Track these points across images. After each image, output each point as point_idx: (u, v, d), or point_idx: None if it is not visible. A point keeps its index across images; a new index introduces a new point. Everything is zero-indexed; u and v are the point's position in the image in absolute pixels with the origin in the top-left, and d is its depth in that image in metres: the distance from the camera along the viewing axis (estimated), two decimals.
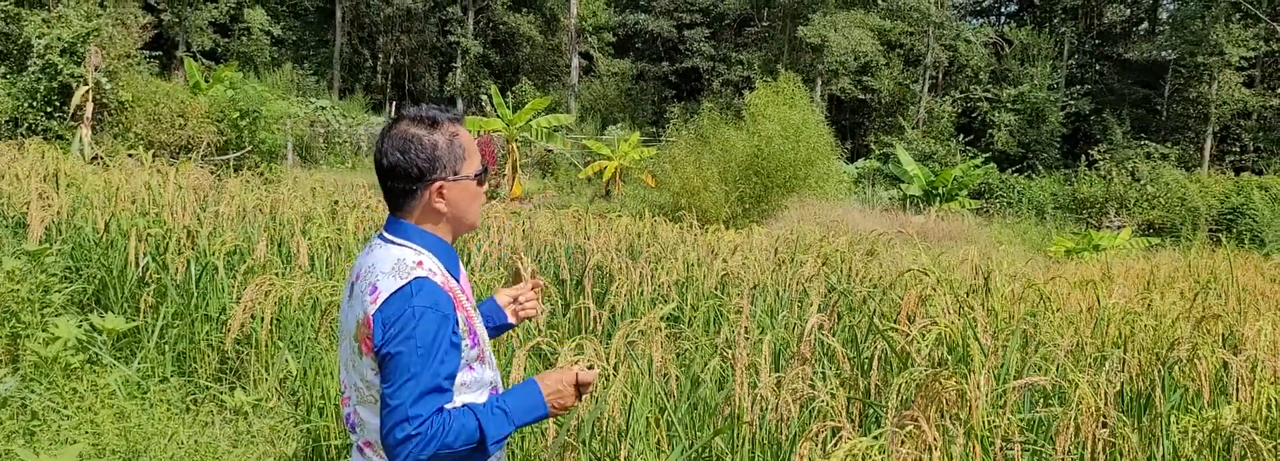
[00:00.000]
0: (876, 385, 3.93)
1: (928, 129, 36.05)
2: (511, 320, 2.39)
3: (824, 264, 7.29)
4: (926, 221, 21.21)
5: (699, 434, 3.84)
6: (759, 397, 3.35)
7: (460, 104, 40.12)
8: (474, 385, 2.03)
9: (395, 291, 1.89)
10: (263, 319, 4.43)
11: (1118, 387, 3.70)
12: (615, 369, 3.42)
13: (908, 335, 3.50)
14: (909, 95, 38.61)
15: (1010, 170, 31.47)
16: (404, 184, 1.99)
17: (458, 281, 2.06)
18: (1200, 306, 5.06)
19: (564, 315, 4.99)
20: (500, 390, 2.12)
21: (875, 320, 4.23)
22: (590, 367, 2.19)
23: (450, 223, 2.06)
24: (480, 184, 2.09)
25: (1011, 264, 8.35)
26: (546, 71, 42.48)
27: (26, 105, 17.35)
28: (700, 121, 22.63)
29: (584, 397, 2.23)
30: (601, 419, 3.36)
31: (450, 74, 41.69)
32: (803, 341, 4.00)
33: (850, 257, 8.04)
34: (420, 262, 1.95)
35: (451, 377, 1.93)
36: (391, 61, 42.60)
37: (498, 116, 24.83)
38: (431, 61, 42.92)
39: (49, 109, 17.57)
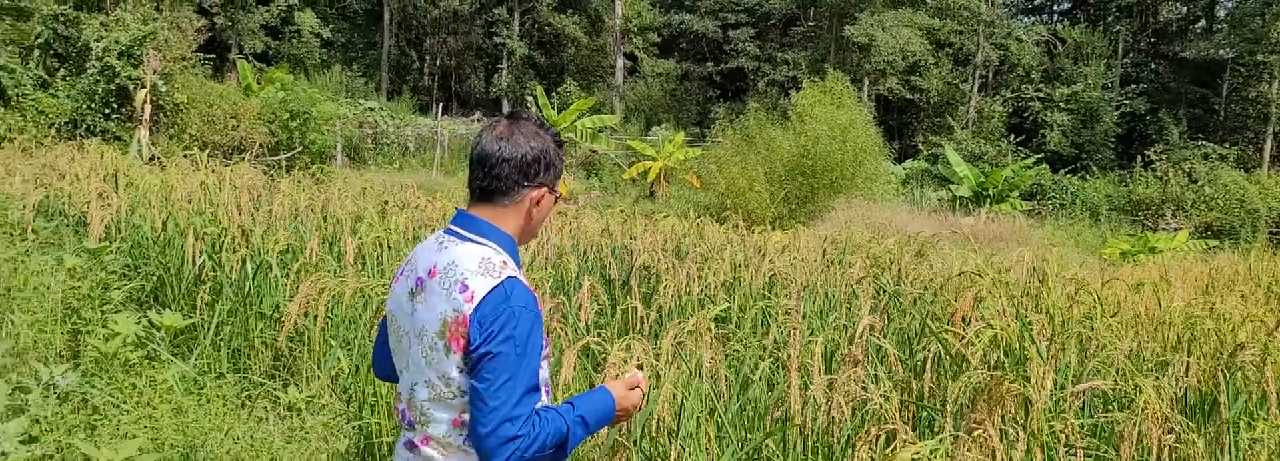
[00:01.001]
0: (930, 388, 3.87)
1: (977, 129, 35.55)
2: None
3: (873, 265, 7.21)
4: (976, 223, 20.91)
5: (750, 435, 3.81)
6: (810, 399, 3.32)
7: (506, 105, 40.37)
8: (542, 383, 2.06)
9: (491, 291, 1.90)
10: (315, 316, 4.48)
11: (1181, 392, 3.60)
12: (664, 369, 3.40)
13: (962, 337, 3.44)
14: (958, 95, 38.11)
15: (1063, 171, 30.93)
16: (516, 175, 2.00)
17: None
18: (1272, 310, 4.93)
19: (612, 315, 4.98)
20: (549, 387, 2.14)
21: (927, 322, 4.17)
22: (640, 367, 2.20)
23: (523, 230, 2.08)
24: (555, 203, 2.14)
25: (1065, 266, 8.20)
26: (591, 72, 42.58)
27: (85, 106, 17.77)
28: (746, 121, 22.53)
29: (642, 404, 2.26)
30: (651, 419, 3.34)
31: (496, 75, 41.95)
32: (854, 343, 3.96)
33: (899, 259, 7.95)
34: (505, 263, 1.97)
35: (536, 382, 1.95)
36: (438, 63, 42.99)
37: (542, 117, 24.95)
38: (477, 63, 43.24)
39: (107, 110, 17.98)
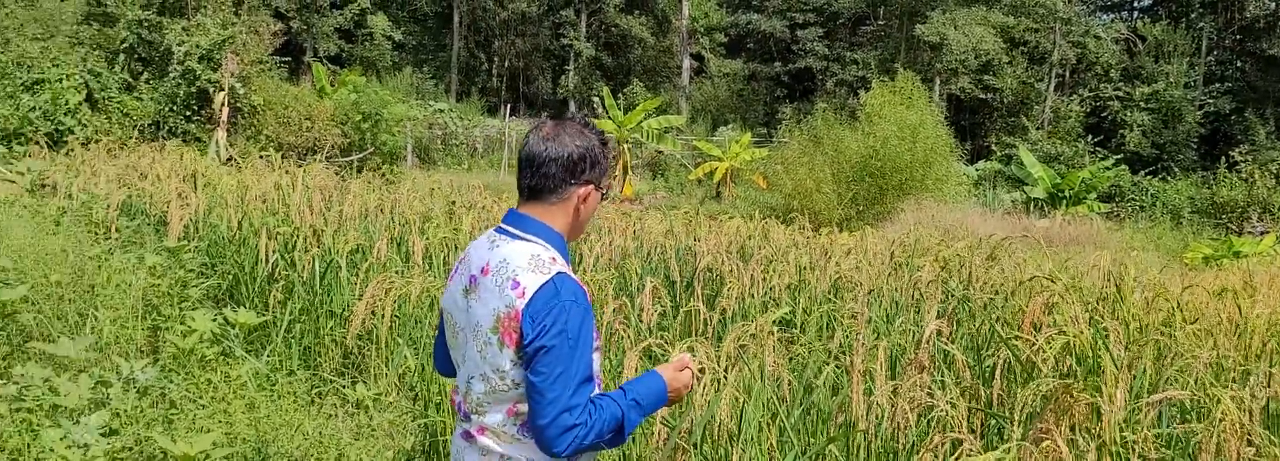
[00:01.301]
0: (999, 395, 3.79)
1: (1053, 129, 34.70)
2: None
3: (942, 268, 7.09)
4: (1051, 225, 20.39)
5: (812, 440, 3.77)
6: (874, 405, 3.27)
7: (572, 106, 40.62)
8: (595, 374, 2.11)
9: (541, 287, 1.97)
10: (383, 315, 4.55)
11: (1263, 403, 3.47)
12: (726, 372, 3.38)
13: (1033, 344, 3.36)
14: (1033, 94, 37.22)
15: (1143, 172, 30.02)
16: (563, 174, 2.07)
17: None
18: None
19: (674, 318, 4.97)
20: (600, 378, 2.19)
21: (997, 328, 4.08)
22: (691, 350, 2.24)
23: (572, 227, 2.14)
24: (601, 201, 2.20)
25: (1144, 271, 7.95)
26: (658, 73, 42.63)
27: (167, 109, 18.36)
28: (813, 122, 22.33)
29: (693, 384, 2.33)
30: (712, 422, 3.32)
31: (563, 76, 42.25)
32: (920, 348, 3.89)
33: (970, 262, 7.80)
34: (553, 259, 2.03)
35: (590, 373, 2.02)
36: (506, 65, 43.45)
37: (609, 118, 25.04)
38: (545, 64, 43.60)
39: (187, 112, 18.56)
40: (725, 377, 3.32)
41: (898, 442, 3.48)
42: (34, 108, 16.87)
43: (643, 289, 4.83)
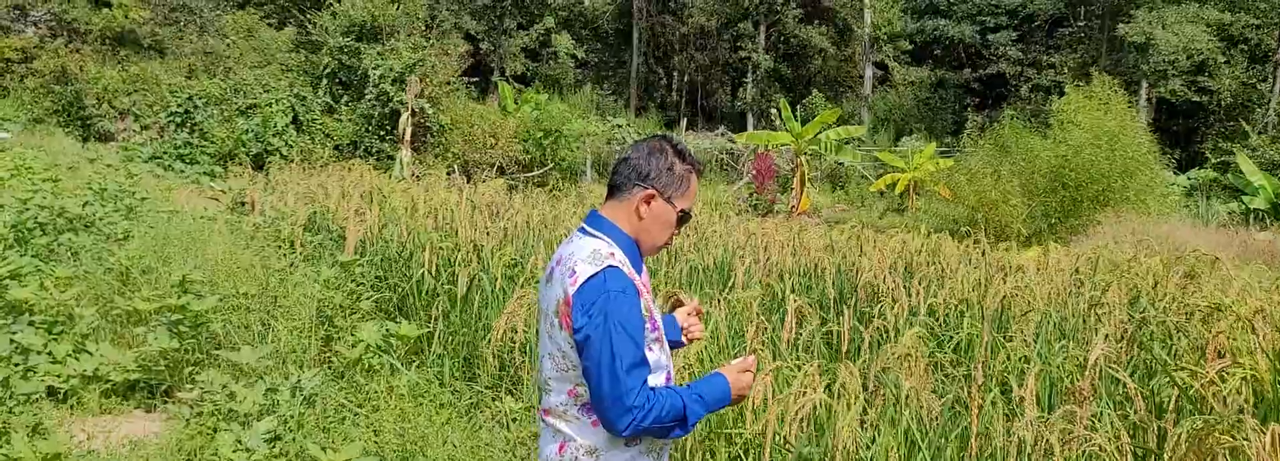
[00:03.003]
0: (1171, 431, 3.44)
1: (1278, 134, 31.63)
2: (683, 339, 2.57)
3: (1130, 288, 6.56)
4: (1275, 239, 18.55)
5: None
6: (1017, 438, 3.03)
7: (751, 119, 40.46)
8: (653, 366, 2.23)
9: (591, 276, 2.14)
10: (529, 330, 4.63)
11: None
12: (855, 398, 3.23)
13: (1208, 376, 3.01)
14: (1255, 96, 34.05)
15: None
16: (628, 178, 2.28)
17: (639, 277, 2.28)
18: None
19: (823, 340, 4.81)
20: (673, 381, 2.35)
21: (1169, 356, 3.71)
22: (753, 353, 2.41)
23: (637, 230, 2.30)
24: (679, 221, 2.32)
25: None
26: (839, 83, 41.85)
27: (364, 129, 19.58)
28: (1000, 130, 21.27)
29: (753, 385, 2.45)
30: (836, 452, 3.18)
31: (741, 89, 42.17)
32: (1085, 376, 3.60)
33: (1165, 281, 7.19)
34: (612, 254, 2.20)
35: (643, 358, 2.15)
36: (685, 79, 43.79)
37: (786, 130, 24.76)
38: (723, 77, 43.64)
39: (381, 132, 19.72)
40: (854, 403, 3.17)
41: None
42: (247, 131, 18.37)
43: (790, 307, 4.70)
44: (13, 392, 4.19)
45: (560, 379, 2.23)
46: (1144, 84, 33.19)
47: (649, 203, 2.26)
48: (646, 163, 2.27)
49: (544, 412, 2.28)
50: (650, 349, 2.22)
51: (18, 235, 7.57)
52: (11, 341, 4.59)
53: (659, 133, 2.33)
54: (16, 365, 4.54)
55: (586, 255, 2.19)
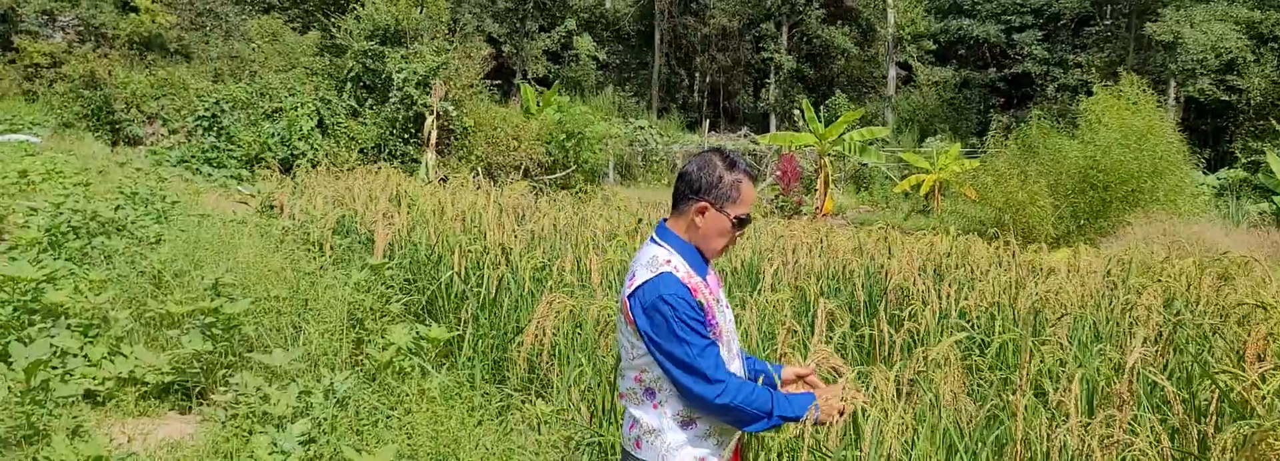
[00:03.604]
0: (1211, 434, 3.39)
1: None
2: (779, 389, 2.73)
3: (1163, 290, 6.48)
4: None
5: None
6: (1061, 443, 3.00)
7: (774, 120, 40.36)
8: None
9: (647, 281, 2.39)
10: (557, 333, 4.63)
11: None
12: (894, 402, 3.20)
13: (1249, 379, 2.97)
14: None
15: None
16: (684, 190, 2.49)
17: (703, 279, 2.48)
18: None
19: (854, 343, 4.78)
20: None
21: (1210, 359, 3.66)
22: (857, 393, 2.63)
23: (695, 238, 2.50)
24: (735, 228, 2.50)
25: None
26: (862, 83, 41.70)
27: (388, 132, 19.67)
28: (1026, 130, 21.08)
29: (842, 418, 2.60)
30: (877, 455, 3.15)
31: (764, 90, 42.11)
32: (1122, 380, 3.55)
33: (1199, 283, 7.10)
34: (669, 261, 2.42)
35: (710, 341, 2.38)
36: (707, 80, 43.76)
37: (810, 131, 24.68)
38: (746, 78, 43.58)
39: (406, 135, 19.80)
40: (892, 408, 3.14)
41: None
42: (273, 134, 18.50)
43: (820, 310, 4.67)
44: (51, 395, 4.23)
45: (628, 366, 2.50)
46: (1172, 83, 32.86)
47: (702, 213, 2.45)
48: (697, 176, 2.46)
49: (619, 396, 2.59)
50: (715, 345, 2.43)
51: (52, 239, 7.65)
52: (51, 345, 4.64)
53: (712, 146, 2.50)
54: (54, 368, 4.58)
55: (646, 260, 2.44)
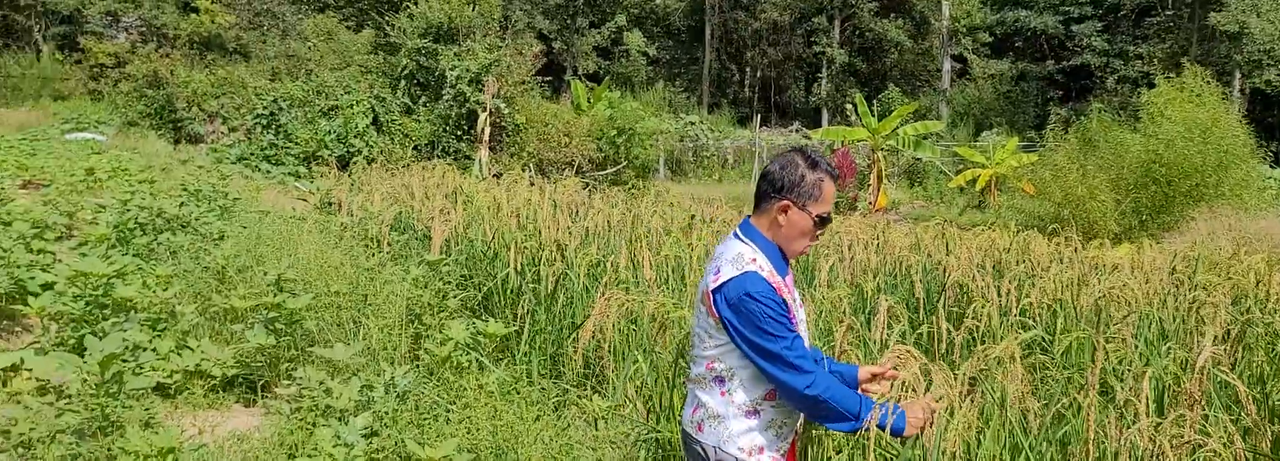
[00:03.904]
0: None
1: None
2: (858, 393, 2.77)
3: (1233, 287, 6.32)
4: None
5: None
6: (1128, 442, 2.94)
7: (825, 115, 40.02)
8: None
9: (733, 278, 2.45)
10: (614, 330, 4.64)
11: None
12: (958, 401, 3.16)
13: None
14: None
15: None
16: (767, 189, 2.56)
17: (783, 279, 2.55)
18: None
19: (910, 338, 4.73)
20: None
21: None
22: (939, 399, 2.73)
23: (778, 237, 2.57)
24: (817, 226, 2.57)
25: None
26: (916, 77, 41.17)
27: (441, 129, 19.86)
28: (1086, 124, 20.66)
29: (929, 430, 2.73)
30: (944, 456, 3.11)
31: (815, 84, 41.77)
32: (1192, 378, 3.47)
33: (1268, 279, 6.91)
34: (754, 260, 2.49)
35: (795, 334, 2.45)
36: (758, 75, 43.52)
37: (863, 125, 24.43)
38: (797, 72, 43.25)
39: (458, 132, 19.97)
40: (957, 405, 3.10)
41: None
42: (329, 132, 18.78)
43: (879, 308, 4.63)
44: (124, 387, 4.34)
45: (701, 354, 2.58)
46: (1237, 74, 32.00)
47: (785, 212, 2.53)
48: (781, 175, 2.53)
49: (688, 379, 2.68)
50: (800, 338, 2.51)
51: (119, 235, 7.86)
52: (123, 339, 4.77)
53: (794, 145, 2.60)
54: (126, 361, 4.71)
55: (732, 257, 2.51)
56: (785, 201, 2.51)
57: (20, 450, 3.92)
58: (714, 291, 2.48)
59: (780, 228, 2.54)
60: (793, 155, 2.56)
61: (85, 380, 4.31)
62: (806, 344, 2.60)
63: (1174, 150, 17.64)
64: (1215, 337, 4.51)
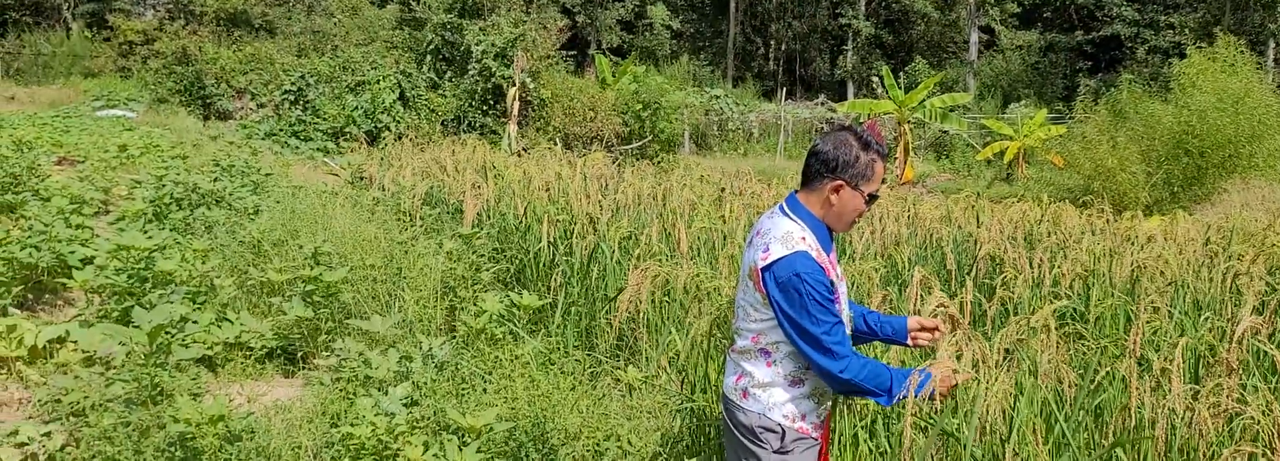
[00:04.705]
0: None
1: None
2: (908, 342, 2.92)
3: (1268, 258, 6.27)
4: None
5: (1098, 442, 3.48)
6: (1166, 410, 2.96)
7: (851, 87, 39.71)
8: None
9: (782, 257, 2.48)
10: (647, 301, 4.68)
11: None
12: (994, 370, 3.18)
13: None
14: None
15: None
16: (819, 168, 2.57)
17: (828, 256, 2.60)
18: None
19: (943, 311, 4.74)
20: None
21: None
22: (966, 371, 2.76)
23: (828, 215, 2.61)
24: (867, 203, 2.61)
25: None
26: (942, 49, 40.72)
27: (467, 104, 19.89)
28: (1116, 95, 20.40)
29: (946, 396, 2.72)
30: (984, 423, 3.15)
31: (841, 57, 41.39)
32: (1230, 348, 3.48)
33: None
34: (804, 239, 2.52)
35: (837, 319, 2.49)
36: (783, 47, 43.18)
37: (889, 98, 24.24)
38: (822, 45, 42.89)
39: (484, 107, 20.00)
40: (993, 375, 3.13)
41: (1199, 452, 3.14)
42: (357, 107, 18.87)
43: (912, 278, 4.64)
44: (171, 358, 4.44)
45: (745, 327, 2.64)
46: (1271, 44, 31.42)
47: (838, 191, 2.55)
48: (834, 155, 2.54)
49: (732, 350, 2.75)
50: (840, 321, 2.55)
51: (156, 210, 7.98)
52: (170, 311, 4.86)
53: (845, 124, 2.63)
54: (170, 333, 4.81)
55: (780, 235, 2.53)
56: (839, 181, 2.54)
57: (72, 418, 4.03)
58: (764, 269, 2.51)
59: (832, 207, 2.58)
60: (845, 135, 2.57)
61: (132, 351, 4.41)
62: (846, 313, 2.67)
63: (1206, 121, 17.41)
64: (1254, 308, 4.50)
